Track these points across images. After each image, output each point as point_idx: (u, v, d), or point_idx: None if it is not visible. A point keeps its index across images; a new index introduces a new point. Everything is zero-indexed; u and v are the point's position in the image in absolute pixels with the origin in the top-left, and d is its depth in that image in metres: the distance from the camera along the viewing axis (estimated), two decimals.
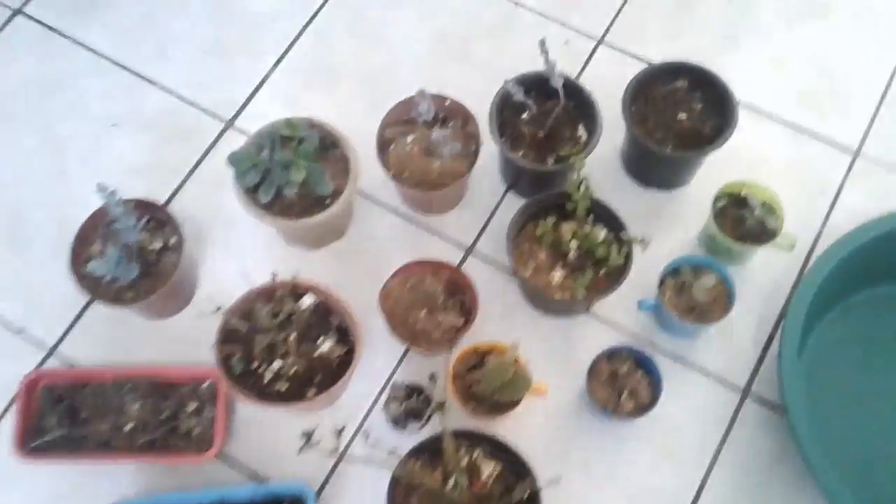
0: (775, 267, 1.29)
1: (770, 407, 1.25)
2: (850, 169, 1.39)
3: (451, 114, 1.31)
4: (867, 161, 1.40)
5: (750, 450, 1.23)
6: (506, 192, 1.39)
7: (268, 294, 1.18)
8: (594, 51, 1.49)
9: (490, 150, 1.37)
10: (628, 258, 1.19)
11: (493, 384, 1.14)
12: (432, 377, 1.15)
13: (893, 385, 1.25)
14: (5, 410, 1.28)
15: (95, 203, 1.24)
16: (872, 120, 1.42)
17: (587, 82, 1.31)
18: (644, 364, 1.20)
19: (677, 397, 1.25)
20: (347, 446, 1.21)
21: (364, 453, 0.95)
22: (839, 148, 1.41)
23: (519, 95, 1.24)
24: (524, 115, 1.28)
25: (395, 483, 1.09)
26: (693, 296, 1.20)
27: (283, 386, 1.17)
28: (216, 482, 1.23)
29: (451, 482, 1.03)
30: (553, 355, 1.28)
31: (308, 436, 0.89)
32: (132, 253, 1.21)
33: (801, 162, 1.40)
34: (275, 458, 1.24)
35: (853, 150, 1.41)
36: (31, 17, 1.57)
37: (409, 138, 1.29)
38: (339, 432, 0.93)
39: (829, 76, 1.47)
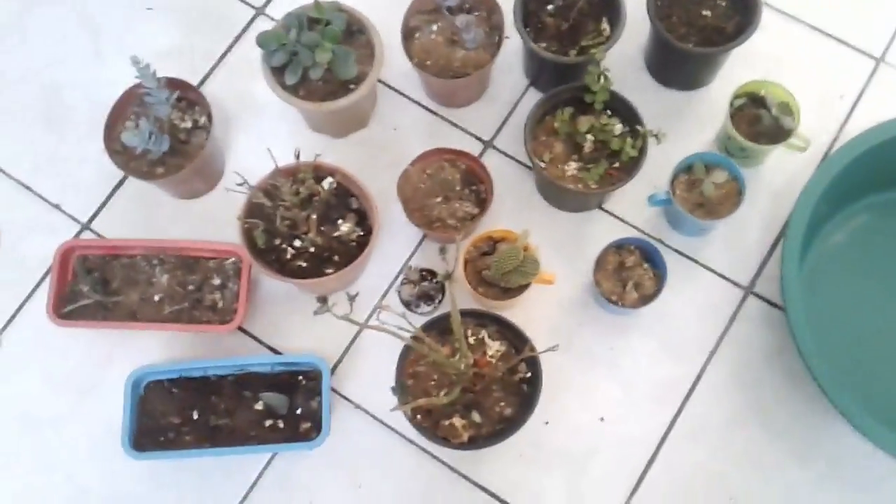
0: (789, 169, 1.31)
1: (771, 305, 1.28)
2: (872, 75, 1.38)
3: (476, 3, 1.32)
4: (890, 68, 1.39)
5: (748, 345, 1.27)
6: (527, 87, 1.41)
7: (292, 173, 1.22)
8: None
9: (515, 46, 1.39)
10: (642, 151, 1.21)
11: (502, 268, 1.18)
12: (443, 249, 1.20)
13: (890, 293, 1.27)
14: (42, 279, 1.35)
15: (130, 84, 1.29)
16: None
17: None
18: (650, 257, 1.23)
19: (682, 293, 1.29)
20: (367, 320, 1.27)
21: (381, 326, 1.01)
22: (863, 54, 1.40)
23: None
24: (549, 7, 1.29)
25: (405, 353, 1.15)
26: (703, 192, 1.22)
27: (302, 263, 1.23)
28: (238, 353, 1.30)
29: (457, 356, 1.09)
30: (564, 248, 1.32)
31: (324, 299, 0.94)
32: (164, 128, 1.26)
33: (824, 66, 1.39)
34: (294, 334, 1.31)
35: (877, 57, 1.40)
36: None
37: (434, 27, 1.31)
38: (353, 298, 0.97)
39: None
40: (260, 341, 1.31)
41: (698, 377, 1.26)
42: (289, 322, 1.31)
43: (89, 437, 1.27)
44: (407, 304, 1.28)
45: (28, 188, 1.41)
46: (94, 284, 1.27)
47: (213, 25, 1.48)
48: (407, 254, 1.34)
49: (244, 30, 1.48)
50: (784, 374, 1.25)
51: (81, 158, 1.42)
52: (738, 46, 1.25)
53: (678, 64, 1.33)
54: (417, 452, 1.25)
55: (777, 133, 1.25)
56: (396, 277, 1.32)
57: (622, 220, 1.33)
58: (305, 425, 1.22)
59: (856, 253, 1.29)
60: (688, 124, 1.37)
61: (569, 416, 1.26)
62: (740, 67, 1.36)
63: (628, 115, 1.24)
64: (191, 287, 1.29)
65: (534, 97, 1.38)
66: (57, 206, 1.40)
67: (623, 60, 1.39)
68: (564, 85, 1.25)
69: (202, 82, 1.45)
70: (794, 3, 1.43)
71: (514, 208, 1.34)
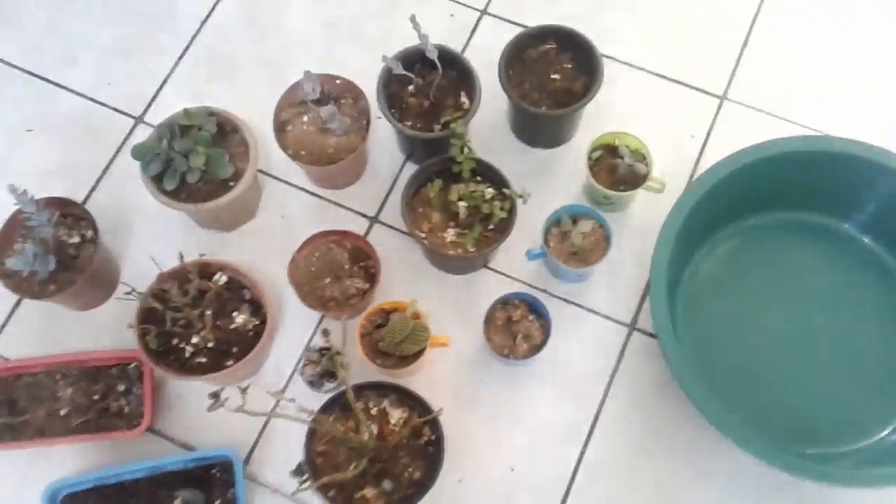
0: (652, 210, 1.39)
1: (654, 337, 1.36)
2: (717, 112, 1.50)
3: (342, 91, 1.39)
4: (733, 104, 1.51)
5: (639, 377, 1.34)
6: (404, 162, 1.48)
7: (179, 274, 1.26)
8: (478, 22, 1.58)
9: (387, 125, 1.47)
10: (512, 212, 1.29)
11: (395, 338, 1.23)
12: (325, 331, 1.25)
13: (762, 308, 1.36)
14: None
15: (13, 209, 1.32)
16: (736, 65, 1.53)
17: (474, 52, 1.40)
18: (535, 308, 1.30)
19: (570, 337, 1.36)
20: (273, 408, 1.30)
21: (287, 413, 1.05)
22: (706, 94, 1.52)
23: (399, 70, 1.32)
24: (410, 87, 1.37)
25: (310, 435, 1.19)
26: (573, 242, 1.30)
27: (202, 359, 1.26)
28: (152, 454, 1.31)
29: (361, 430, 1.13)
30: (455, 309, 1.38)
31: (216, 395, 0.98)
32: (49, 248, 1.29)
33: (672, 109, 1.51)
34: (205, 427, 1.33)
35: (720, 95, 1.52)
36: None
37: (305, 118, 1.37)
38: (245, 390, 1.01)
39: (690, 27, 1.57)
40: (172, 440, 1.33)
41: (597, 414, 1.33)
42: (198, 417, 1.34)
43: None
44: (311, 384, 1.32)
45: None
46: None
47: (94, 138, 1.53)
48: (307, 335, 1.38)
49: (125, 139, 1.52)
50: (676, 400, 1.33)
51: None
52: (587, 104, 1.34)
53: (538, 126, 1.43)
54: None
55: (634, 179, 1.35)
56: (300, 360, 1.36)
57: (507, 275, 1.40)
58: None
59: (726, 276, 1.38)
60: (556, 179, 1.46)
61: (480, 470, 1.30)
62: (597, 120, 1.46)
63: (496, 179, 1.32)
64: (96, 396, 1.30)
65: (411, 170, 1.45)
66: None
67: (489, 126, 1.48)
68: (433, 158, 1.33)
69: (89, 195, 1.48)
70: (636, 54, 1.55)
71: (406, 277, 1.40)
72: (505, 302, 1.31)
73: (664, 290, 1.23)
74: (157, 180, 1.30)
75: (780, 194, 1.36)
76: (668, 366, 1.19)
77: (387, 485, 1.18)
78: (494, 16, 1.59)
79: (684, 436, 1.31)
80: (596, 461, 1.30)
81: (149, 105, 1.55)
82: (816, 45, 1.55)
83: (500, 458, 1.31)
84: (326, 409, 1.20)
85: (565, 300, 1.39)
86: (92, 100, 1.56)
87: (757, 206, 1.38)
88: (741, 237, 1.40)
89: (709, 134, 1.48)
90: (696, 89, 1.52)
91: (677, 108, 1.51)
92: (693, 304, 1.35)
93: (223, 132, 1.35)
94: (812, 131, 1.47)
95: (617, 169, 1.35)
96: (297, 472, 1.11)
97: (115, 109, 1.55)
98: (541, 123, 1.41)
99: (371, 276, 1.33)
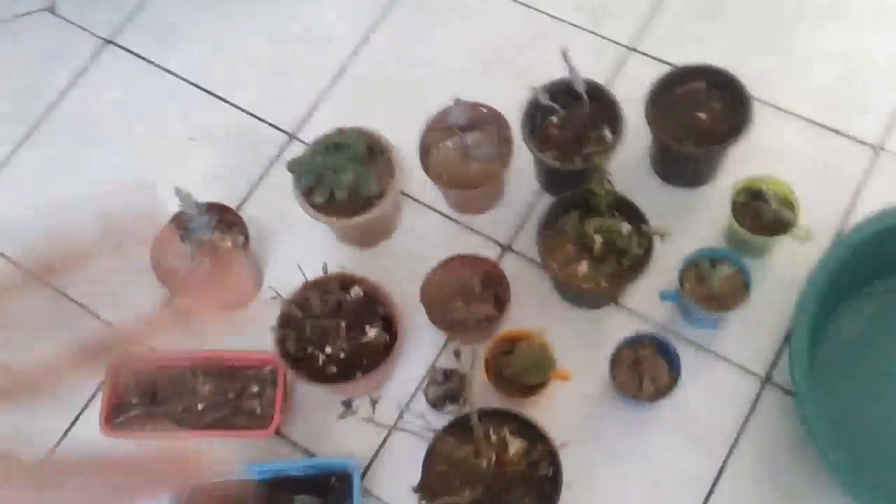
0: (796, 259, 1.34)
1: (789, 394, 1.31)
2: (872, 164, 1.43)
3: (487, 120, 1.42)
4: (889, 156, 1.44)
5: (770, 434, 1.29)
6: (540, 193, 1.49)
7: (320, 285, 1.31)
8: (626, 58, 1.58)
9: (528, 155, 1.49)
10: (648, 250, 1.28)
11: (520, 365, 1.24)
12: (457, 353, 1.26)
13: None
14: (95, 393, 1.45)
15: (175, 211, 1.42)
16: (894, 116, 1.46)
17: (620, 88, 1.40)
18: (664, 350, 1.28)
19: (699, 384, 1.32)
20: (396, 422, 1.33)
21: (408, 428, 1.07)
22: (860, 144, 1.46)
23: (545, 100, 1.34)
24: (553, 119, 1.39)
25: (430, 455, 1.20)
26: (711, 285, 1.27)
27: (334, 368, 1.31)
28: (275, 456, 1.37)
29: (480, 456, 1.14)
30: (580, 344, 1.37)
31: (348, 403, 1.01)
32: (205, 248, 1.37)
33: (823, 157, 1.45)
34: (328, 436, 1.37)
35: (875, 146, 1.45)
36: (120, 46, 1.76)
37: (449, 143, 1.41)
38: (375, 401, 1.05)
39: (848, 73, 1.52)
40: (296, 444, 1.37)
41: (721, 468, 1.28)
42: (323, 425, 1.38)
43: None
44: (433, 405, 1.34)
45: (81, 305, 1.52)
46: (142, 396, 1.37)
47: (251, 151, 1.62)
48: (432, 356, 1.40)
49: (279, 154, 1.61)
50: (806, 464, 1.26)
51: (133, 282, 1.54)
52: (733, 145, 1.32)
53: (680, 164, 1.41)
54: None
55: (779, 225, 1.31)
56: (423, 380, 1.39)
57: (637, 313, 1.38)
58: None
59: (871, 337, 1.31)
60: (695, 219, 1.43)
61: None
62: (742, 163, 1.43)
63: (633, 216, 1.31)
64: (231, 395, 1.37)
65: (547, 201, 1.46)
66: (110, 324, 1.51)
67: (630, 163, 1.47)
68: (572, 190, 1.33)
69: (242, 202, 1.57)
70: (790, 100, 1.50)
71: (533, 308, 1.41)
72: (634, 341, 1.29)
73: (805, 345, 1.18)
74: (308, 194, 1.37)
75: None
76: (804, 425, 1.13)
77: None
78: (642, 53, 1.59)
79: (814, 499, 1.25)
80: None
81: (302, 123, 1.63)
82: None
83: (616, 502, 1.28)
84: (448, 430, 1.22)
85: (697, 345, 1.35)
86: (251, 115, 1.65)
87: None
88: (890, 296, 1.33)
89: (861, 185, 1.42)
90: (850, 138, 1.46)
91: (829, 155, 1.45)
92: (833, 364, 1.29)
93: (372, 152, 1.40)
94: None
95: (762, 214, 1.31)
96: (419, 489, 1.13)
97: (272, 125, 1.64)
98: (684, 161, 1.39)
99: (500, 304, 1.34)
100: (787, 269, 1.36)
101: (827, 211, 1.40)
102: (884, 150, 1.45)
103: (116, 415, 1.37)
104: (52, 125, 1.71)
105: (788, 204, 1.30)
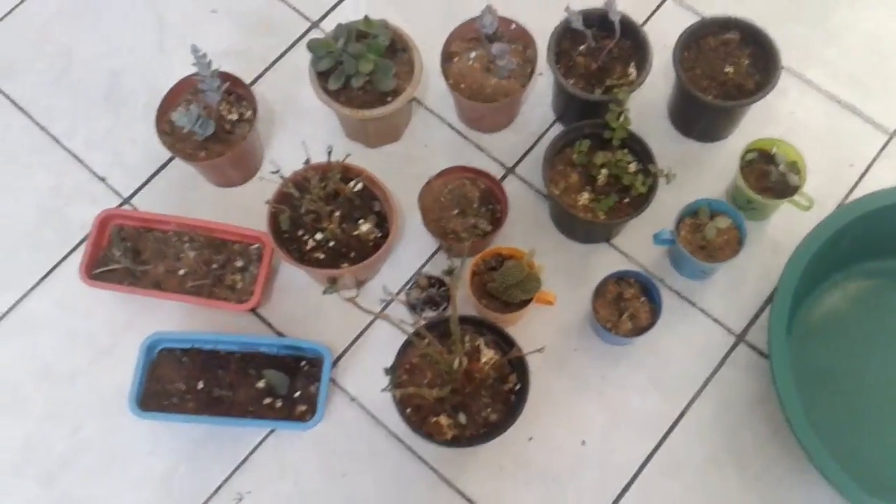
0: (793, 226, 1.35)
1: (760, 354, 1.33)
2: (883, 148, 1.44)
3: (514, 36, 1.41)
4: None
5: (734, 390, 1.31)
6: (553, 122, 1.49)
7: (322, 169, 1.30)
8: (661, 3, 1.57)
9: (545, 84, 1.48)
10: (652, 189, 1.28)
11: (506, 281, 1.24)
12: (448, 249, 1.26)
13: (880, 357, 1.31)
14: (79, 244, 1.44)
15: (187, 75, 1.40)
16: None
17: (650, 31, 1.39)
18: (649, 291, 1.29)
19: (676, 331, 1.34)
20: (382, 309, 1.33)
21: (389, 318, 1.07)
22: (877, 126, 1.46)
23: (578, 24, 1.33)
24: (581, 47, 1.37)
25: (405, 348, 1.21)
26: (706, 235, 1.28)
27: (321, 255, 1.31)
28: (249, 333, 1.38)
29: (453, 356, 1.15)
30: (568, 274, 1.38)
31: (334, 280, 1.01)
32: (212, 115, 1.36)
33: (837, 133, 1.46)
34: (302, 323, 1.38)
35: (891, 131, 1.46)
36: None
37: (473, 54, 1.40)
38: (361, 283, 1.04)
39: (880, 58, 1.52)
40: (270, 325, 1.38)
41: (682, 414, 1.31)
42: (299, 312, 1.39)
43: (99, 394, 1.35)
44: (413, 307, 1.34)
45: (79, 160, 1.51)
46: (125, 252, 1.36)
47: (269, 32, 1.59)
48: (420, 262, 1.41)
49: (298, 40, 1.58)
50: (765, 423, 1.29)
51: (132, 139, 1.52)
52: (754, 103, 1.32)
53: (698, 115, 1.40)
54: (403, 451, 1.30)
55: (783, 189, 1.31)
56: (407, 283, 1.39)
57: (627, 255, 1.39)
58: (302, 408, 1.29)
59: (850, 316, 1.33)
60: (701, 173, 1.43)
61: (552, 435, 1.30)
62: (757, 125, 1.43)
63: (643, 155, 1.31)
64: (214, 266, 1.37)
65: (558, 131, 1.46)
66: (103, 179, 1.49)
67: (647, 108, 1.47)
68: (587, 120, 1.33)
69: (253, 82, 1.55)
70: (816, 72, 1.51)
71: (526, 233, 1.41)
72: (621, 277, 1.30)
73: (786, 312, 1.19)
74: (324, 77, 1.35)
75: None
76: (774, 387, 1.15)
77: (462, 418, 1.19)
78: (680, 2, 1.57)
79: (763, 461, 1.28)
80: (668, 460, 1.28)
81: (327, 13, 1.60)
82: None
83: (575, 430, 1.31)
84: (428, 328, 1.22)
85: (680, 294, 1.36)
86: None
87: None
88: (874, 279, 1.35)
89: (869, 167, 1.43)
90: (867, 120, 1.47)
91: (843, 133, 1.46)
92: (808, 334, 1.31)
93: (394, 49, 1.39)
94: None
95: (768, 176, 1.32)
96: (391, 372, 1.13)
97: (296, 10, 1.61)
98: (703, 112, 1.38)
99: (496, 220, 1.34)
100: (783, 234, 1.37)
101: (832, 185, 1.41)
102: None
103: (97, 266, 1.37)
104: None
105: (796, 170, 1.31)
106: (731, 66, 1.35)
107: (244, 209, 1.45)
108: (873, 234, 1.28)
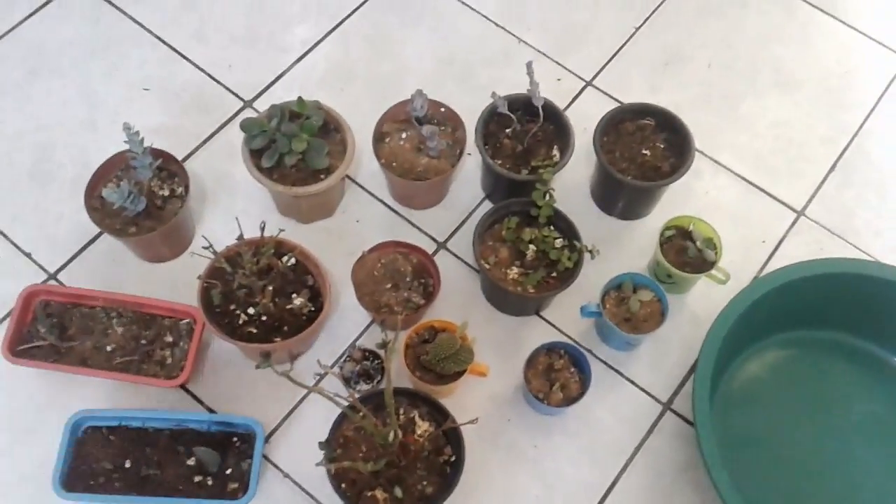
0: (712, 299, 1.42)
1: (686, 422, 1.37)
2: (792, 225, 1.54)
3: (444, 118, 1.46)
4: (809, 222, 1.55)
5: (663, 456, 1.35)
6: (483, 200, 1.54)
7: (256, 245, 1.31)
8: (582, 91, 1.66)
9: (473, 164, 1.54)
10: (578, 264, 1.33)
11: (439, 354, 1.26)
12: (382, 322, 1.28)
13: (797, 424, 1.37)
14: (2, 319, 1.41)
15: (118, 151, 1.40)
16: (819, 186, 1.58)
17: (571, 115, 1.47)
18: (578, 362, 1.33)
19: (605, 401, 1.38)
20: (317, 383, 1.32)
21: (323, 392, 1.07)
22: (785, 206, 1.56)
23: (504, 109, 1.40)
24: (507, 130, 1.44)
25: (339, 422, 1.21)
26: (630, 307, 1.33)
27: (253, 329, 1.30)
28: (179, 409, 1.35)
29: (388, 429, 1.15)
30: (500, 347, 1.41)
31: (267, 355, 1.01)
32: (143, 191, 1.36)
33: (749, 212, 1.55)
34: (234, 399, 1.36)
35: (798, 210, 1.56)
36: None
37: (404, 134, 1.45)
38: (295, 357, 1.05)
39: (785, 142, 1.63)
40: (201, 402, 1.36)
41: (614, 482, 1.33)
42: (231, 387, 1.37)
43: (20, 474, 1.29)
44: (347, 381, 1.35)
45: (3, 234, 1.48)
46: (50, 328, 1.33)
47: (202, 111, 1.62)
48: (353, 336, 1.42)
49: (231, 118, 1.61)
50: (694, 489, 1.33)
51: (59, 214, 1.50)
52: (671, 184, 1.40)
53: (618, 194, 1.48)
54: None
55: (701, 264, 1.38)
56: (340, 357, 1.40)
57: (556, 327, 1.43)
58: (233, 485, 1.26)
59: (768, 384, 1.39)
60: (623, 249, 1.50)
61: None
62: (674, 204, 1.51)
63: (568, 232, 1.37)
64: (143, 341, 1.35)
65: (486, 208, 1.51)
66: (28, 255, 1.47)
67: (571, 187, 1.54)
68: (514, 198, 1.38)
69: (185, 158, 1.56)
70: (727, 155, 1.61)
71: (458, 306, 1.44)
72: (551, 349, 1.34)
73: (708, 380, 1.24)
74: (257, 155, 1.38)
75: (834, 314, 1.39)
76: (700, 452, 1.19)
77: (398, 492, 1.19)
78: (598, 88, 1.67)
79: None
80: None
81: (260, 94, 1.64)
82: None
83: (510, 501, 1.31)
84: (362, 401, 1.22)
85: (608, 364, 1.41)
86: (210, 76, 1.65)
87: (810, 321, 1.40)
88: (790, 349, 1.42)
89: (780, 243, 1.52)
90: (777, 200, 1.57)
91: (754, 211, 1.55)
92: (730, 402, 1.36)
93: (326, 129, 1.42)
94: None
95: (686, 251, 1.39)
96: (326, 446, 1.13)
97: (229, 90, 1.64)
98: (623, 192, 1.46)
99: (429, 294, 1.37)
100: (702, 307, 1.44)
101: (746, 261, 1.49)
102: (804, 216, 1.55)
103: (20, 343, 1.33)
104: (4, 49, 1.67)
105: (712, 246, 1.38)
106: (648, 149, 1.44)
107: (174, 284, 1.44)
108: (787, 306, 1.35)
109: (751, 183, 1.58)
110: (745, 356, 1.40)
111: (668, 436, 1.36)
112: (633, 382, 1.40)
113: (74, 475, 1.25)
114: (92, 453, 1.27)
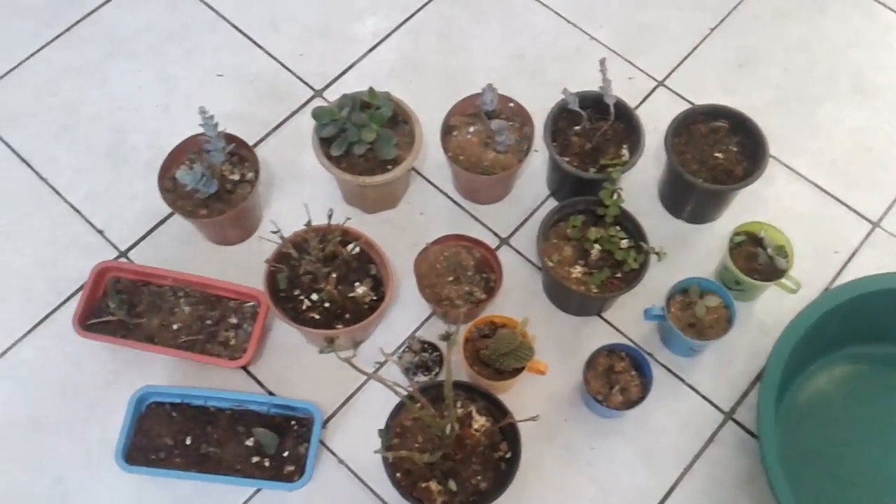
0: (780, 308, 1.39)
1: (748, 433, 1.34)
2: (867, 237, 1.49)
3: (513, 114, 1.46)
4: (884, 234, 1.50)
5: (722, 467, 1.32)
6: (548, 197, 1.53)
7: (323, 232, 1.32)
8: (653, 90, 1.64)
9: (540, 160, 1.53)
10: (644, 265, 1.31)
11: (499, 349, 1.26)
12: (445, 315, 1.28)
13: (866, 442, 1.33)
14: (73, 294, 1.45)
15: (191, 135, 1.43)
16: None
17: (642, 114, 1.45)
18: (639, 365, 1.31)
19: (665, 406, 1.35)
20: (377, 370, 1.34)
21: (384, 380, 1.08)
22: (861, 216, 1.52)
23: (574, 106, 1.38)
24: (577, 127, 1.43)
25: (397, 411, 1.22)
26: (696, 313, 1.31)
27: (316, 315, 1.32)
28: (240, 391, 1.37)
29: (446, 422, 1.15)
30: (560, 346, 1.40)
31: (331, 340, 1.02)
32: (215, 174, 1.39)
33: (823, 220, 1.51)
34: (294, 383, 1.38)
35: (874, 221, 1.51)
36: None
37: (472, 128, 1.44)
38: (358, 344, 1.06)
39: (863, 150, 1.59)
40: (261, 384, 1.38)
41: (670, 490, 1.31)
42: (291, 372, 1.39)
43: (85, 445, 1.33)
44: (405, 372, 1.35)
45: (78, 212, 1.52)
46: (120, 304, 1.36)
47: (274, 99, 1.64)
48: (413, 327, 1.42)
49: (301, 107, 1.63)
50: (753, 502, 1.30)
51: (132, 195, 1.54)
52: (742, 188, 1.37)
53: (687, 197, 1.45)
54: None
55: (771, 272, 1.35)
56: (399, 347, 1.40)
57: (618, 329, 1.42)
58: (290, 468, 1.28)
59: (835, 399, 1.36)
60: (691, 253, 1.47)
61: None
62: (745, 209, 1.48)
63: (635, 233, 1.35)
64: (209, 322, 1.37)
65: (551, 205, 1.50)
66: (101, 232, 1.51)
67: (639, 188, 1.51)
68: (581, 196, 1.37)
69: (256, 144, 1.58)
70: (801, 161, 1.57)
71: (519, 303, 1.43)
72: (612, 350, 1.32)
73: (774, 392, 1.22)
74: (326, 144, 1.39)
75: None
76: (763, 465, 1.16)
77: (452, 485, 1.19)
78: (669, 89, 1.64)
79: None
80: None
81: (330, 83, 1.65)
82: None
83: (564, 501, 1.30)
84: (421, 391, 1.22)
85: (669, 370, 1.38)
86: (282, 65, 1.67)
87: (882, 336, 1.36)
88: (860, 364, 1.38)
89: (853, 254, 1.48)
90: (852, 209, 1.52)
91: (828, 220, 1.51)
92: (795, 416, 1.33)
93: (395, 120, 1.43)
94: None
95: (756, 258, 1.36)
96: (384, 433, 1.13)
97: (300, 79, 1.66)
98: (692, 195, 1.43)
99: (490, 289, 1.37)
100: (770, 316, 1.41)
101: (818, 270, 1.46)
102: (880, 227, 1.51)
103: (90, 317, 1.37)
104: (84, 32, 1.71)
105: (784, 254, 1.35)
106: (721, 152, 1.41)
107: (240, 267, 1.46)
108: (858, 320, 1.31)
109: (825, 191, 1.54)
110: (813, 369, 1.36)
111: (728, 446, 1.33)
112: (694, 389, 1.37)
113: (136, 449, 1.28)
114: (154, 428, 1.30)
